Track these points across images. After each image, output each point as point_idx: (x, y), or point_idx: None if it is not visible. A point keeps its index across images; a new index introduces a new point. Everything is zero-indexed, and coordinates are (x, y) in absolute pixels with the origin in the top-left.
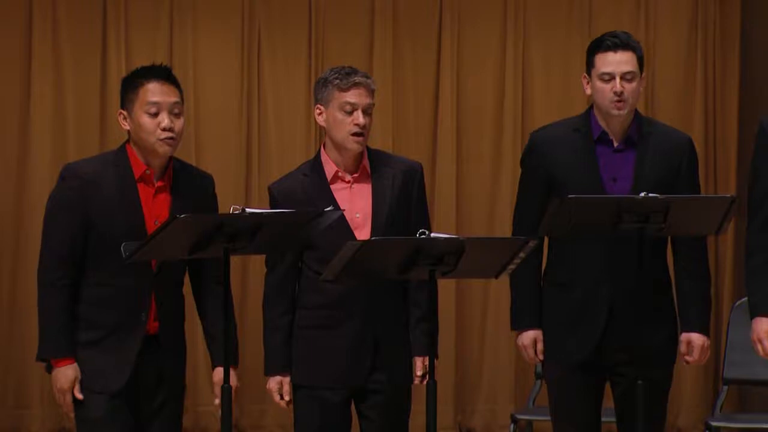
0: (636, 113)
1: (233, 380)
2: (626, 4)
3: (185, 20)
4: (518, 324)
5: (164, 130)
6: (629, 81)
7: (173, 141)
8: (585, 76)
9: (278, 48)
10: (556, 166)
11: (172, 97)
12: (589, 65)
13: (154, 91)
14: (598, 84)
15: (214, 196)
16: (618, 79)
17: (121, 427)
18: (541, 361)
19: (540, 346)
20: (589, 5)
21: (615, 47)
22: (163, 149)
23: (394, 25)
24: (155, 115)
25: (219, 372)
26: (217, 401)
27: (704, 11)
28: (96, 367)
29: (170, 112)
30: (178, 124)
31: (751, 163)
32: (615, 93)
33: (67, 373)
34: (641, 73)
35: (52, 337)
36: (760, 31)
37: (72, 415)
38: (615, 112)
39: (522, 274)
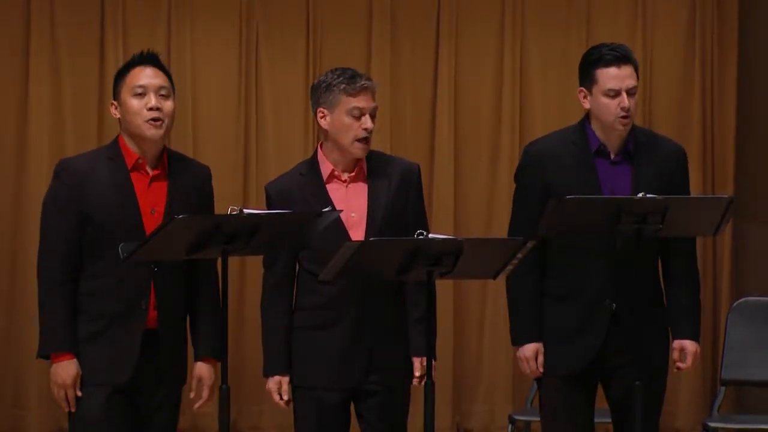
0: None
1: (212, 376)
2: (624, 5)
3: (183, 20)
4: (519, 339)
5: (150, 110)
6: (633, 95)
7: (160, 123)
8: (582, 90)
9: (276, 48)
10: (555, 179)
11: (158, 80)
12: (589, 80)
13: (140, 75)
14: (603, 100)
15: (211, 187)
16: (625, 95)
17: (118, 424)
18: (542, 373)
19: (541, 358)
20: (586, 6)
21: (618, 62)
22: (151, 132)
23: (392, 25)
24: (141, 96)
25: (199, 367)
26: (193, 395)
27: (702, 14)
28: (98, 361)
29: (157, 94)
30: (167, 105)
31: None
32: (623, 109)
33: (68, 369)
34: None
35: (53, 333)
36: (758, 34)
37: (70, 410)
38: (621, 128)
39: (520, 289)
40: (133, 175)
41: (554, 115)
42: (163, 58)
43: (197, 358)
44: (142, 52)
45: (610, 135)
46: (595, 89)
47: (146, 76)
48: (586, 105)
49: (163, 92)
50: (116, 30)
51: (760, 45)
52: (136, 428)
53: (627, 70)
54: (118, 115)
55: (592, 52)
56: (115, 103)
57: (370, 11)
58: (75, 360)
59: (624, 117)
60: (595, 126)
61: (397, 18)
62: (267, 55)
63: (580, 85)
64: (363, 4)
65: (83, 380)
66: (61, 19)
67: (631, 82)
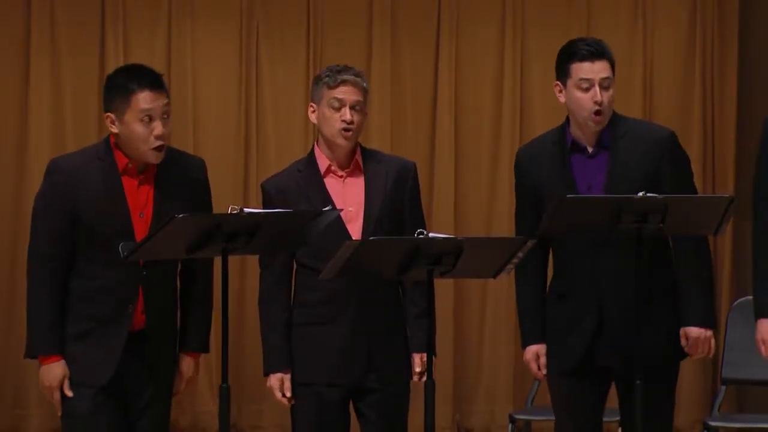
0: (612, 114)
1: (195, 369)
2: (624, 5)
3: (183, 19)
4: (523, 342)
5: (157, 137)
6: (606, 89)
7: (164, 147)
8: (558, 84)
9: (277, 47)
10: (537, 180)
11: (161, 100)
12: (564, 74)
13: (146, 100)
14: (576, 93)
15: (205, 180)
16: (597, 88)
17: (107, 423)
18: (544, 375)
19: (543, 360)
20: (587, 6)
21: (592, 57)
22: (155, 156)
23: (393, 24)
24: (148, 122)
25: (185, 360)
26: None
27: (702, 14)
28: (83, 361)
29: (161, 118)
30: (169, 127)
31: (756, 161)
32: (596, 103)
33: (55, 371)
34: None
35: (41, 335)
36: (758, 34)
37: (59, 412)
38: (593, 125)
39: (523, 291)
40: (124, 178)
41: (554, 115)
42: (163, 57)
43: (180, 352)
44: (143, 69)
45: (584, 129)
46: (570, 83)
47: (151, 99)
48: (561, 99)
49: (165, 114)
50: (116, 30)
51: (760, 45)
52: (127, 427)
53: (601, 65)
54: (116, 131)
55: (568, 46)
56: (112, 116)
57: (371, 11)
58: (62, 361)
59: (597, 113)
60: (571, 121)
61: (397, 18)
62: (267, 54)
63: (556, 79)
64: (363, 4)
65: (71, 379)
66: (61, 19)
67: (604, 75)
